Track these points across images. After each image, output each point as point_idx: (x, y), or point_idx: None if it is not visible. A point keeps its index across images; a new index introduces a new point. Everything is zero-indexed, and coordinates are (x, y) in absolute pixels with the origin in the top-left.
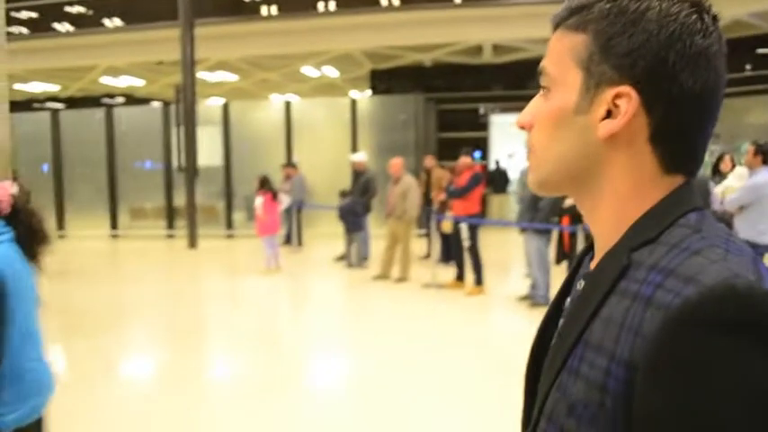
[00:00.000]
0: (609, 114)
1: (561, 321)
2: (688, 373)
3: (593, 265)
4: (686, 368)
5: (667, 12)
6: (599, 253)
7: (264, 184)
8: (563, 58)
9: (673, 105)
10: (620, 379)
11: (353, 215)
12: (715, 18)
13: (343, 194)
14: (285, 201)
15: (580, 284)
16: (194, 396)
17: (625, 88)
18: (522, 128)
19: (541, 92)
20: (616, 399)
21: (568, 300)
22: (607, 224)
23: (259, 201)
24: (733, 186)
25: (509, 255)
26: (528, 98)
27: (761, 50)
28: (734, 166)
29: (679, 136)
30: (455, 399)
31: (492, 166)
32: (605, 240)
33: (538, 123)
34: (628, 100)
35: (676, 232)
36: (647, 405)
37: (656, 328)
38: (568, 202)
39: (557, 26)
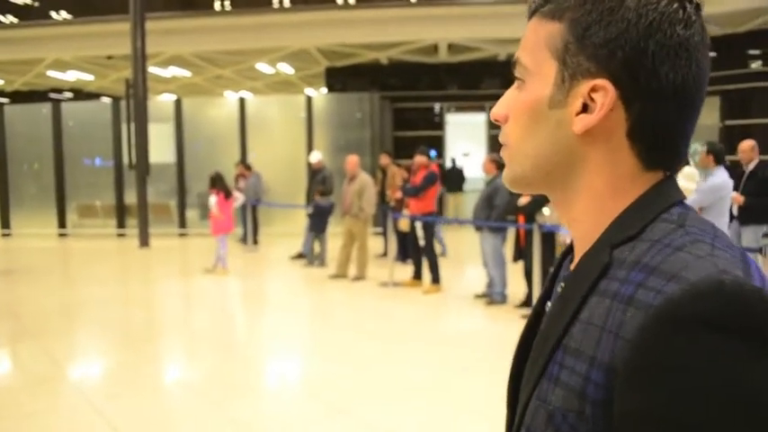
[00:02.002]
0: (585, 108)
1: (541, 326)
2: (670, 374)
3: (573, 266)
4: (668, 369)
5: (647, 0)
6: (578, 253)
7: (216, 183)
8: (538, 48)
9: (652, 99)
10: (600, 384)
11: (327, 216)
12: (698, 7)
13: (323, 194)
14: (239, 198)
15: (560, 287)
16: (147, 399)
17: (602, 81)
18: (497, 121)
19: (516, 83)
20: (595, 405)
21: (548, 304)
22: (585, 223)
23: (213, 200)
24: (684, 186)
25: (466, 253)
26: (483, 98)
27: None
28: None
29: (659, 131)
30: (413, 396)
31: (448, 165)
32: (584, 240)
33: (512, 116)
34: (604, 94)
35: (659, 227)
36: (625, 407)
37: (637, 329)
38: (523, 201)
39: (532, 14)
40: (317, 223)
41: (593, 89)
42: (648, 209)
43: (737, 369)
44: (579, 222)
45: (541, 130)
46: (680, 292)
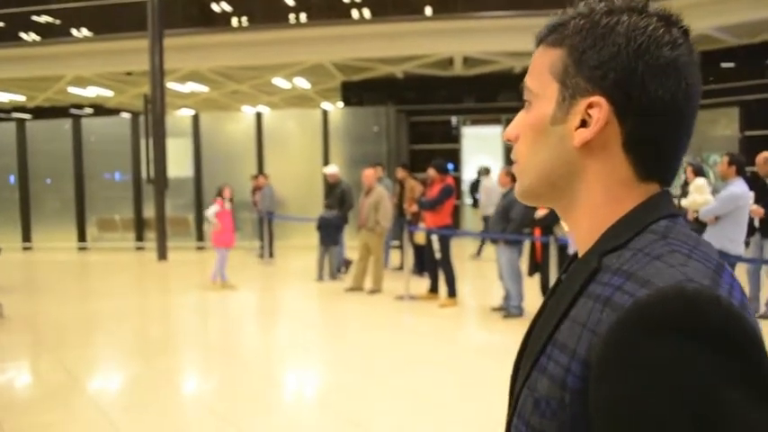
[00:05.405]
0: (584, 124)
1: (538, 323)
2: (631, 370)
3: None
4: (630, 365)
5: (636, 25)
6: (580, 256)
7: (220, 192)
8: (542, 73)
9: (643, 114)
10: (578, 375)
11: (335, 229)
12: (685, 31)
13: (330, 207)
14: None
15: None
16: (162, 412)
17: (597, 98)
18: (509, 140)
19: (525, 106)
20: (573, 394)
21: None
22: (584, 230)
23: (212, 209)
24: (697, 200)
25: (486, 266)
26: (498, 110)
27: (725, 64)
28: (695, 177)
29: (651, 143)
30: (429, 410)
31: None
32: (583, 246)
33: (521, 135)
34: (599, 109)
35: (644, 238)
36: (597, 396)
37: (609, 327)
38: (539, 214)
39: (538, 44)
40: (328, 237)
41: (590, 106)
42: (639, 220)
43: (681, 365)
44: (579, 228)
45: (546, 145)
46: (646, 297)
